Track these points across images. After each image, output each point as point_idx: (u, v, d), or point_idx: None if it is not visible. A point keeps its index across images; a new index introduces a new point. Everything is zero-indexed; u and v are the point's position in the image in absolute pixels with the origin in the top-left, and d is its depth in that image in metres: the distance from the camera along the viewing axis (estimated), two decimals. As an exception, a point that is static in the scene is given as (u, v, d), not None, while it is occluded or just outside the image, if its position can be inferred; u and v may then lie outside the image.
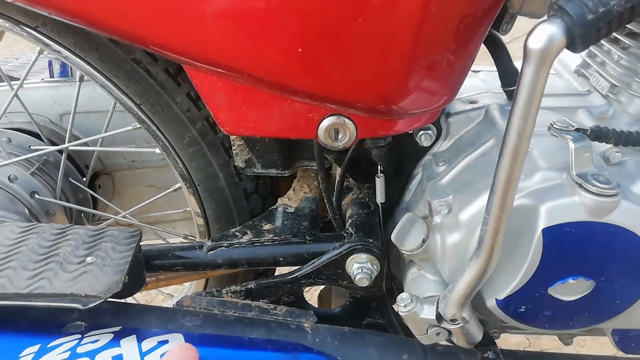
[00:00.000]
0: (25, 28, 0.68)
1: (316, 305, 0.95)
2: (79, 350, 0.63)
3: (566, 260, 0.58)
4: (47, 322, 0.68)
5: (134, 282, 0.74)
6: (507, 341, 1.35)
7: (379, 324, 0.81)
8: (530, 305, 0.62)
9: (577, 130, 0.58)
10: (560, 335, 0.79)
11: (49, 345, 0.64)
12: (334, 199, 0.78)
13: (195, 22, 0.54)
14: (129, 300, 0.92)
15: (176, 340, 0.68)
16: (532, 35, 0.44)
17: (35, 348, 0.63)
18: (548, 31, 0.43)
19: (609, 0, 0.42)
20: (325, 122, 0.61)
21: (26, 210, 0.94)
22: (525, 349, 1.35)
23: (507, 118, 0.48)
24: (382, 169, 0.73)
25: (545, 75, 0.45)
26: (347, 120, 0.62)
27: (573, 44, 0.44)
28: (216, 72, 0.58)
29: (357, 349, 0.72)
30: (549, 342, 1.33)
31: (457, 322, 0.64)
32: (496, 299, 0.63)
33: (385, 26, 0.53)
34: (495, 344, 0.71)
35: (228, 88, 0.59)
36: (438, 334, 0.67)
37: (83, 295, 0.63)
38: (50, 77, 1.12)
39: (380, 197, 0.75)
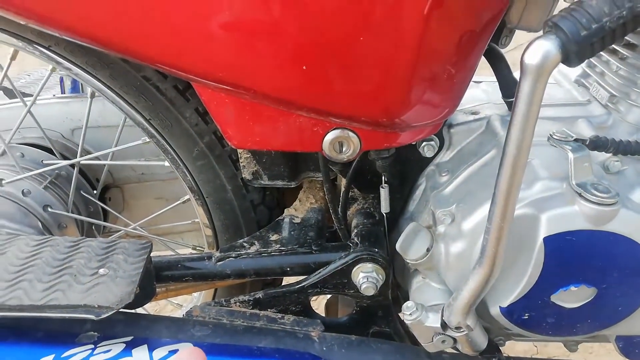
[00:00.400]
0: (39, 47, 0.71)
1: (323, 314, 0.96)
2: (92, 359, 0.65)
3: (568, 268, 0.59)
4: (61, 332, 0.70)
5: (144, 292, 0.76)
6: (514, 349, 1.35)
7: (386, 332, 0.82)
8: (534, 313, 0.63)
9: (576, 140, 0.60)
10: (565, 342, 0.80)
11: (62, 356, 0.66)
12: (339, 209, 0.79)
13: (202, 42, 0.56)
14: (140, 310, 0.94)
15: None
16: (528, 50, 0.46)
17: (50, 358, 0.65)
18: (544, 47, 0.45)
19: (602, 17, 0.43)
20: (330, 136, 0.63)
21: (39, 224, 0.97)
22: (533, 357, 1.35)
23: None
24: (386, 179, 0.75)
25: (542, 88, 0.46)
26: (351, 134, 0.63)
27: (568, 59, 0.45)
28: (223, 89, 0.60)
29: (364, 357, 0.73)
30: (556, 349, 1.33)
31: (461, 330, 0.65)
32: (500, 306, 0.64)
33: (387, 43, 0.55)
34: (500, 351, 0.72)
35: (235, 104, 0.61)
36: (443, 341, 0.68)
37: (96, 306, 0.65)
38: (62, 93, 1.14)
39: (384, 207, 0.76)
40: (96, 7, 0.56)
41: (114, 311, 0.64)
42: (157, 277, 0.79)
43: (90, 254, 0.73)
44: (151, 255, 0.77)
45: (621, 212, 0.57)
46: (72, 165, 0.99)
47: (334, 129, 0.63)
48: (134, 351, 0.67)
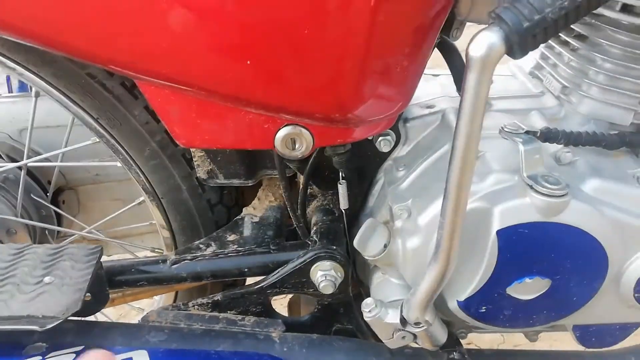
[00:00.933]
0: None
1: (286, 314, 0.94)
2: (40, 372, 0.62)
3: (521, 261, 0.59)
4: (6, 344, 0.66)
5: (96, 299, 0.74)
6: (482, 338, 1.36)
7: (348, 329, 0.82)
8: (491, 306, 0.63)
9: (527, 132, 0.59)
10: (525, 333, 0.81)
11: (9, 369, 0.63)
12: (298, 207, 0.78)
13: (143, 38, 0.54)
14: (102, 317, 0.91)
15: (140, 357, 0.67)
16: (472, 43, 0.45)
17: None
18: (488, 39, 0.44)
19: (544, 8, 0.43)
20: (282, 133, 0.61)
21: (-15, 230, 0.92)
22: (499, 346, 1.37)
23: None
24: (344, 175, 0.74)
25: (488, 81, 0.46)
26: (303, 130, 0.62)
27: (512, 51, 0.44)
28: (167, 85, 0.57)
29: (325, 356, 0.72)
30: (522, 339, 1.34)
31: (420, 325, 0.64)
32: (457, 300, 0.64)
33: (334, 37, 0.53)
34: (461, 344, 0.72)
35: (181, 101, 0.59)
36: (403, 337, 0.67)
37: (40, 316, 0.62)
38: (9, 92, 1.09)
39: (343, 204, 0.75)
40: (31, 2, 0.53)
41: (60, 321, 0.62)
42: (110, 282, 0.76)
43: (35, 261, 0.69)
44: (109, 259, 0.74)
45: (572, 203, 0.57)
46: (20, 168, 0.95)
47: (285, 126, 0.61)
48: (84, 361, 0.65)
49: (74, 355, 0.66)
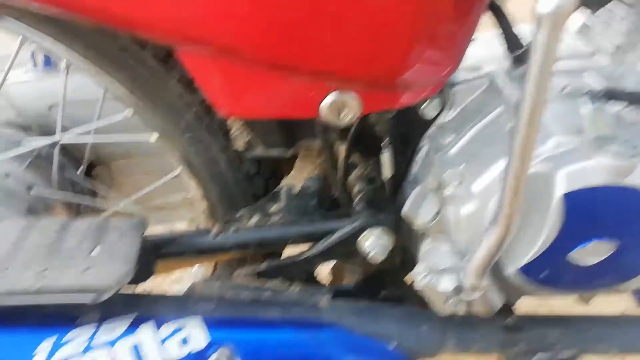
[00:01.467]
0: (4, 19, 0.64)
1: (329, 280, 0.94)
2: (97, 339, 0.63)
3: (587, 225, 0.58)
4: (59, 315, 0.67)
5: (142, 270, 0.73)
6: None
7: (395, 296, 0.81)
8: (551, 271, 0.62)
9: (590, 92, 0.57)
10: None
11: (64, 339, 0.63)
12: (340, 175, 0.76)
13: (185, 1, 0.51)
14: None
15: (193, 325, 0.67)
16: (541, -1, 0.42)
17: (51, 341, 0.62)
18: (557, -7, 0.41)
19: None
20: (328, 100, 0.59)
21: (23, 206, 0.92)
22: (545, 315, 1.36)
23: (514, 84, 0.45)
24: (388, 142, 0.72)
25: (558, 39, 0.43)
26: (350, 97, 0.59)
27: (587, 2, 0.41)
28: (209, 54, 0.55)
29: (376, 322, 0.72)
30: (558, 301, 1.33)
31: (477, 291, 0.63)
32: (516, 266, 0.63)
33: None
34: (513, 311, 0.71)
35: (223, 70, 0.57)
36: (457, 304, 0.66)
37: (93, 288, 0.62)
38: (35, 68, 1.07)
39: (387, 171, 0.73)
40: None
41: (115, 291, 0.62)
42: (155, 254, 0.76)
43: (81, 235, 0.69)
44: (148, 232, 0.73)
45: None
46: (54, 144, 0.94)
47: (331, 93, 0.59)
48: (139, 329, 0.66)
49: (128, 323, 0.66)
